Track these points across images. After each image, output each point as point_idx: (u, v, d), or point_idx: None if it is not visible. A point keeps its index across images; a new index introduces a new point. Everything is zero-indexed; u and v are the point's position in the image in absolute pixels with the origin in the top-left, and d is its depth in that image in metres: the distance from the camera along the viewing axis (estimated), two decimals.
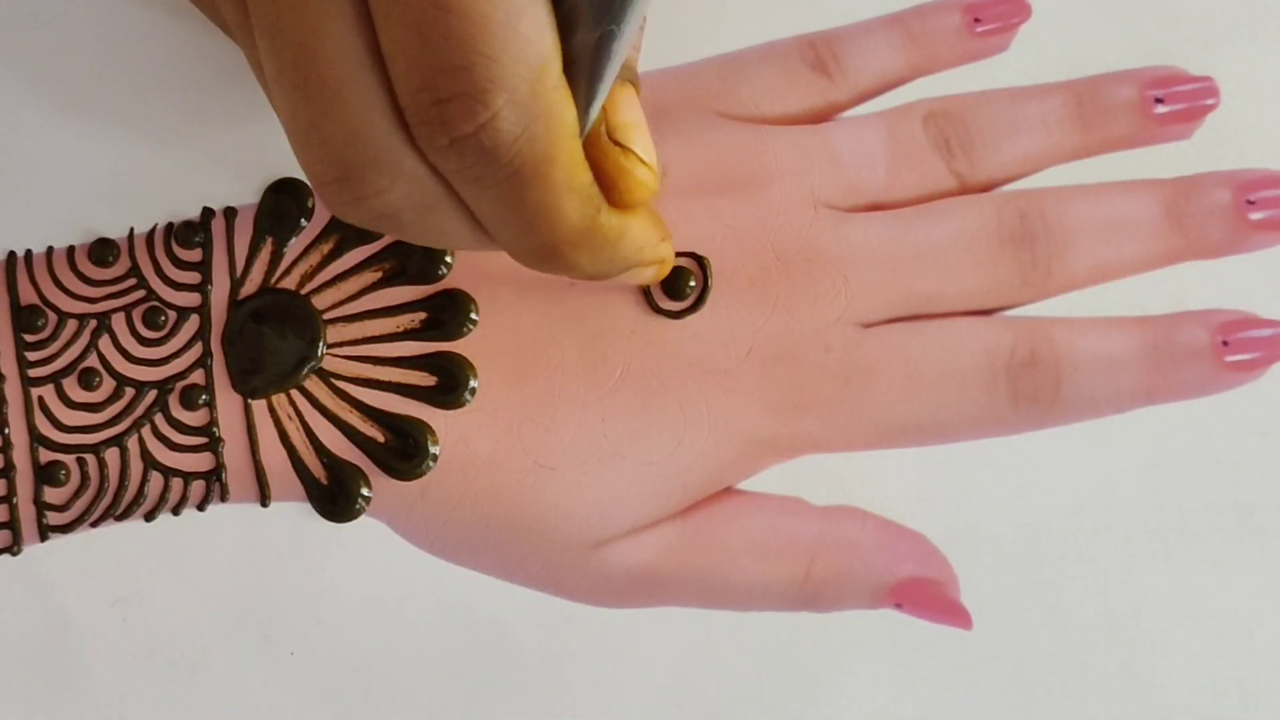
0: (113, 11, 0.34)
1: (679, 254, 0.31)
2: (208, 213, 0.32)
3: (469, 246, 0.27)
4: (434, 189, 0.25)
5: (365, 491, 0.31)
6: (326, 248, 0.32)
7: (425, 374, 0.31)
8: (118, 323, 0.31)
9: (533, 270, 0.27)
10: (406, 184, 0.25)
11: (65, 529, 0.31)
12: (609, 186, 0.26)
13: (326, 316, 0.32)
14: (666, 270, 0.29)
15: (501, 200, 0.24)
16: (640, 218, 0.27)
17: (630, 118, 0.26)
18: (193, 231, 0.32)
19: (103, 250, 0.32)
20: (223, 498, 0.31)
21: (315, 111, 0.24)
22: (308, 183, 0.32)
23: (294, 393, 0.31)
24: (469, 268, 0.32)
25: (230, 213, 0.32)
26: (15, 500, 0.31)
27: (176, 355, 0.31)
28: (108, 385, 0.31)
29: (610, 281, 0.31)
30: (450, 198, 0.25)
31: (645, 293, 0.31)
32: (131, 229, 0.32)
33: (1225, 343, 0.31)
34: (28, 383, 0.31)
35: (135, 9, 0.34)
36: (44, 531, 0.31)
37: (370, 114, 0.24)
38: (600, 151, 0.25)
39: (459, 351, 0.31)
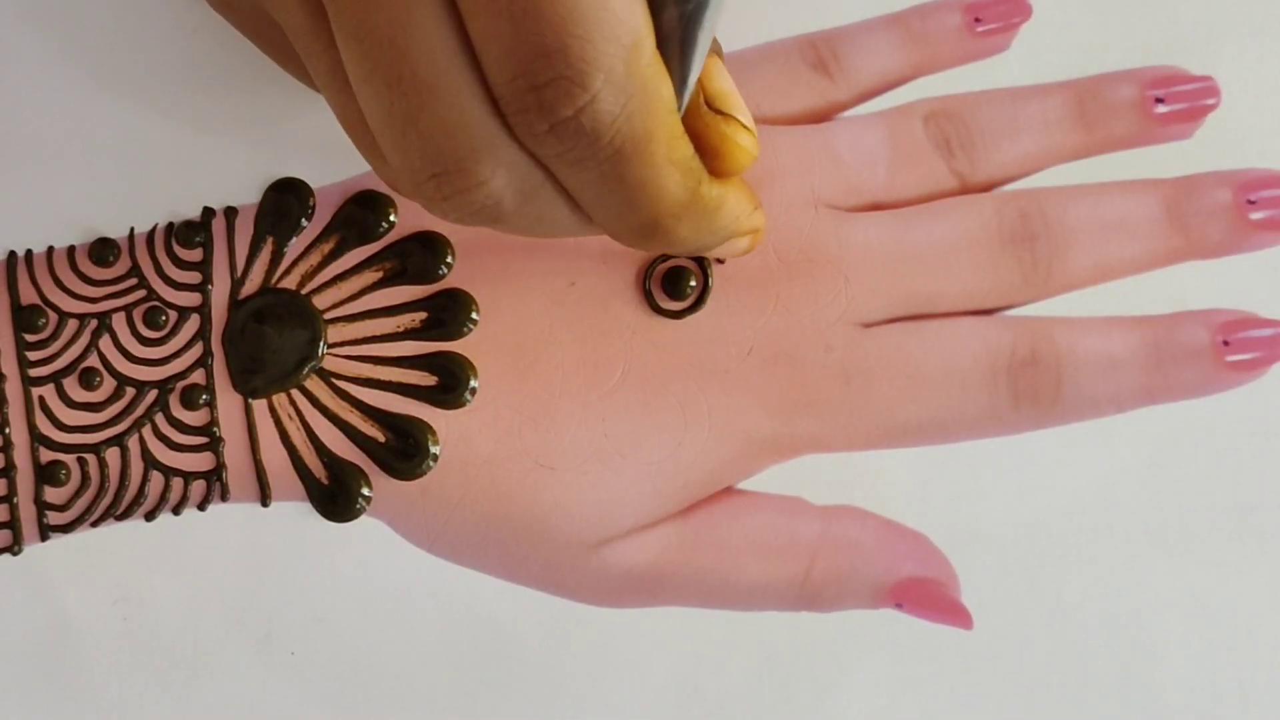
0: (114, 12, 0.34)
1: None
2: (208, 212, 0.32)
3: (569, 233, 0.27)
4: (533, 175, 0.25)
5: (366, 491, 0.31)
6: (327, 247, 0.32)
7: (426, 374, 0.31)
8: (118, 322, 0.31)
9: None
10: (507, 172, 0.25)
11: (66, 529, 0.31)
12: (713, 155, 0.26)
13: (327, 316, 0.32)
14: (760, 240, 0.29)
15: (603, 180, 0.24)
16: (736, 187, 0.27)
17: (727, 86, 0.26)
18: (193, 231, 0.32)
19: (103, 250, 0.32)
20: (223, 497, 0.31)
21: (411, 106, 0.24)
22: (308, 182, 0.32)
23: (294, 392, 0.31)
24: (470, 267, 0.32)
25: (231, 212, 0.32)
26: (16, 500, 0.31)
27: (177, 355, 0.31)
28: (108, 385, 0.31)
29: (614, 281, 0.31)
30: (550, 183, 0.25)
31: (646, 293, 0.31)
32: (132, 228, 0.32)
33: (1226, 342, 0.31)
34: (28, 382, 0.31)
35: (137, 10, 0.34)
36: (44, 531, 0.31)
37: (466, 105, 0.23)
38: (702, 122, 0.26)
39: (460, 351, 0.31)
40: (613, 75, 0.23)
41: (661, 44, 0.23)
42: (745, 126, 0.26)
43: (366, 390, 0.31)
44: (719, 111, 0.26)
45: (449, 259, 0.31)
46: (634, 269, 0.32)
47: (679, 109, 0.25)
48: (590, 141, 0.23)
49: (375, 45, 0.23)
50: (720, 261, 0.32)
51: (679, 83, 0.24)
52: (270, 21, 0.28)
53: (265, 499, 0.31)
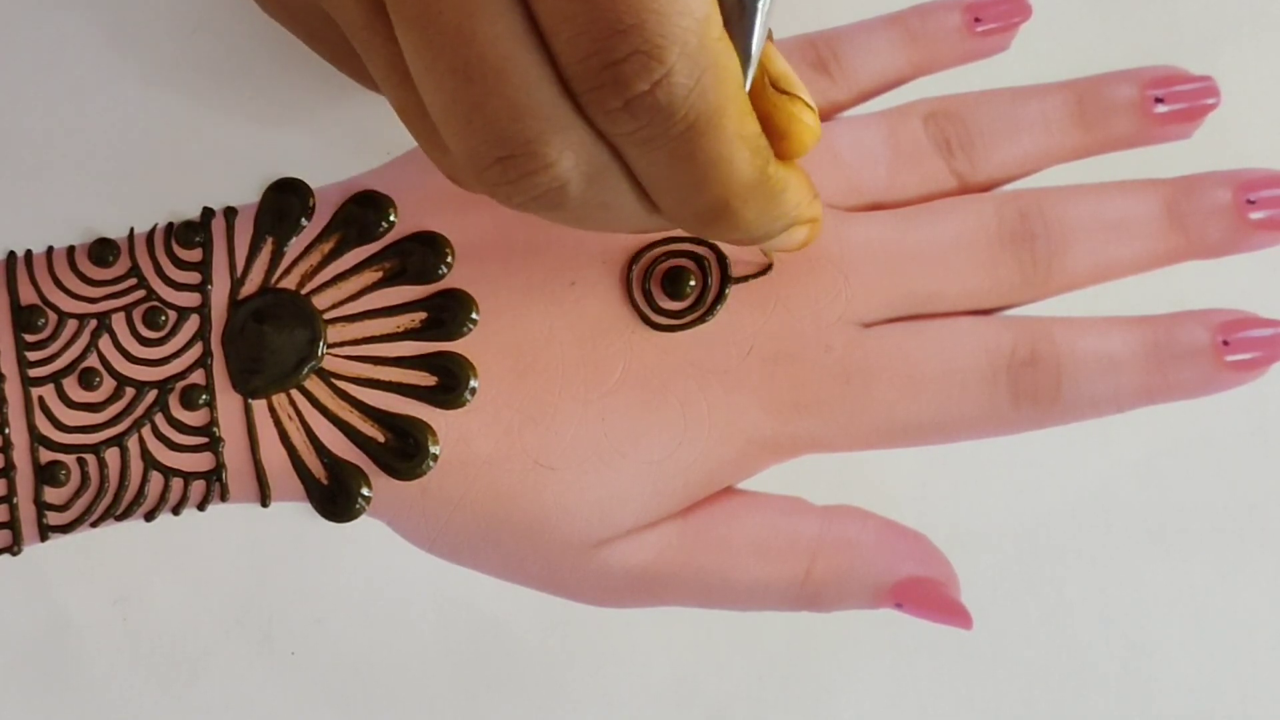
0: (114, 11, 0.34)
1: (687, 252, 0.31)
2: (208, 212, 0.32)
3: (631, 224, 0.27)
4: (601, 156, 0.25)
5: (365, 491, 0.31)
6: (327, 247, 0.32)
7: (426, 374, 0.31)
8: (118, 322, 0.31)
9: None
10: (574, 153, 0.24)
11: (65, 529, 0.31)
12: (779, 136, 0.26)
13: (327, 316, 0.32)
14: (818, 232, 0.29)
15: (673, 158, 0.24)
16: (799, 172, 0.27)
17: (786, 67, 0.26)
18: (193, 231, 0.32)
19: (103, 250, 0.32)
20: (223, 498, 0.31)
21: (478, 92, 0.23)
22: (308, 182, 0.32)
23: (294, 393, 0.31)
24: (470, 267, 0.32)
25: (230, 212, 0.32)
26: (15, 500, 0.31)
27: (177, 355, 0.31)
28: (108, 385, 0.31)
29: (613, 281, 0.31)
30: (617, 165, 0.25)
31: (646, 295, 0.31)
32: (131, 229, 0.32)
33: (1225, 342, 0.31)
34: (28, 382, 0.31)
35: (136, 9, 0.34)
36: (44, 531, 0.31)
37: (535, 87, 0.23)
38: (769, 102, 0.26)
39: (459, 351, 0.31)
40: (687, 49, 0.23)
41: (724, 23, 0.24)
42: (809, 105, 0.26)
43: (366, 390, 0.31)
44: (783, 91, 0.26)
45: (449, 259, 0.31)
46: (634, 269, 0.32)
47: (744, 87, 0.25)
48: (665, 116, 0.23)
49: (439, 33, 0.23)
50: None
51: (743, 61, 0.24)
52: (325, 20, 0.28)
53: (265, 499, 0.31)
